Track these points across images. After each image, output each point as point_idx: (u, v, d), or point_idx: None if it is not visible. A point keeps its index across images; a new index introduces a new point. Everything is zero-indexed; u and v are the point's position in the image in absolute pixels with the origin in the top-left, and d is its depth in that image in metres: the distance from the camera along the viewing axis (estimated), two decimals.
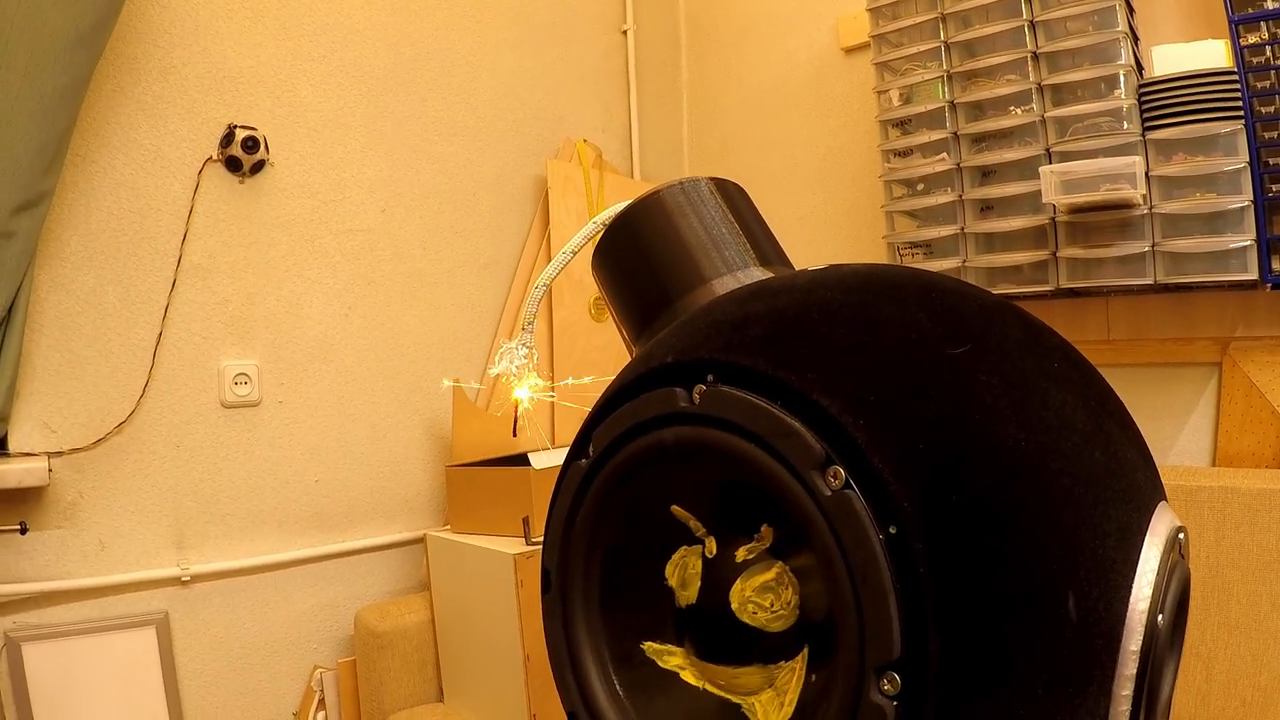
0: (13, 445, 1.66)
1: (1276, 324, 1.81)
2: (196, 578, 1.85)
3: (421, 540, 2.16)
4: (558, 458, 1.87)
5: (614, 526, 0.47)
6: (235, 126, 1.87)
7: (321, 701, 2.02)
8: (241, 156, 1.86)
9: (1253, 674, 1.62)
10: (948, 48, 1.89)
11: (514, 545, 1.76)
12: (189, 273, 1.84)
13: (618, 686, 0.47)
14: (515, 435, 0.84)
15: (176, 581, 1.83)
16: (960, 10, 1.86)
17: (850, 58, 2.42)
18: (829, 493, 0.35)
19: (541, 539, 1.50)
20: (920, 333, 0.39)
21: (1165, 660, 0.41)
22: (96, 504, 1.75)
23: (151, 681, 1.80)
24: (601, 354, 2.46)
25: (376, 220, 2.16)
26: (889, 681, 0.33)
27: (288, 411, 1.99)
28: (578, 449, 0.47)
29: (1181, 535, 0.44)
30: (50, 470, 1.65)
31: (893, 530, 0.34)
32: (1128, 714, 0.38)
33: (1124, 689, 0.37)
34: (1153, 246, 1.70)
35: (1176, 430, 1.93)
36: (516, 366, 0.72)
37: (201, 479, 1.87)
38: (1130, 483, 0.40)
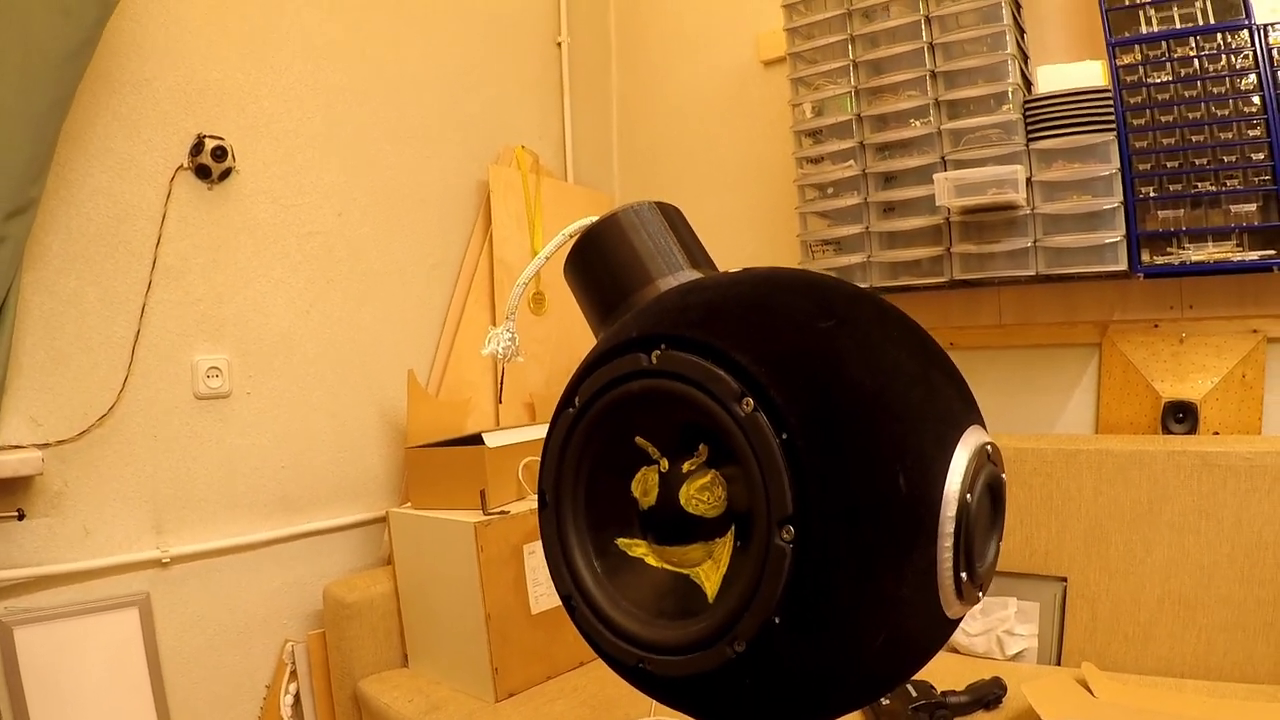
0: (1, 439, 1.75)
1: (1148, 308, 2.03)
2: (176, 559, 1.96)
3: (381, 519, 2.30)
4: (507, 437, 2.04)
5: (594, 457, 0.66)
6: (204, 136, 1.99)
7: (293, 673, 2.16)
8: (211, 165, 1.99)
9: (1132, 612, 1.84)
10: (856, 66, 2.09)
11: (473, 516, 1.91)
12: (163, 274, 1.95)
13: (599, 571, 0.65)
14: (500, 401, 1.01)
15: (157, 563, 1.93)
16: (868, 32, 2.06)
17: (769, 70, 2.60)
18: (744, 415, 0.54)
19: (499, 508, 1.67)
20: (803, 313, 0.58)
21: (979, 529, 0.61)
22: (81, 492, 1.84)
23: (135, 659, 1.88)
24: (541, 345, 2.62)
25: (334, 223, 2.29)
26: (786, 532, 0.53)
27: (255, 402, 2.12)
28: (566, 400, 0.66)
29: (989, 448, 0.64)
30: (43, 459, 1.74)
31: (784, 436, 0.53)
32: (950, 561, 0.57)
33: (946, 543, 0.57)
34: (1035, 243, 1.91)
35: (1063, 404, 2.15)
36: (503, 348, 0.90)
37: (178, 467, 1.98)
38: (945, 409, 0.60)
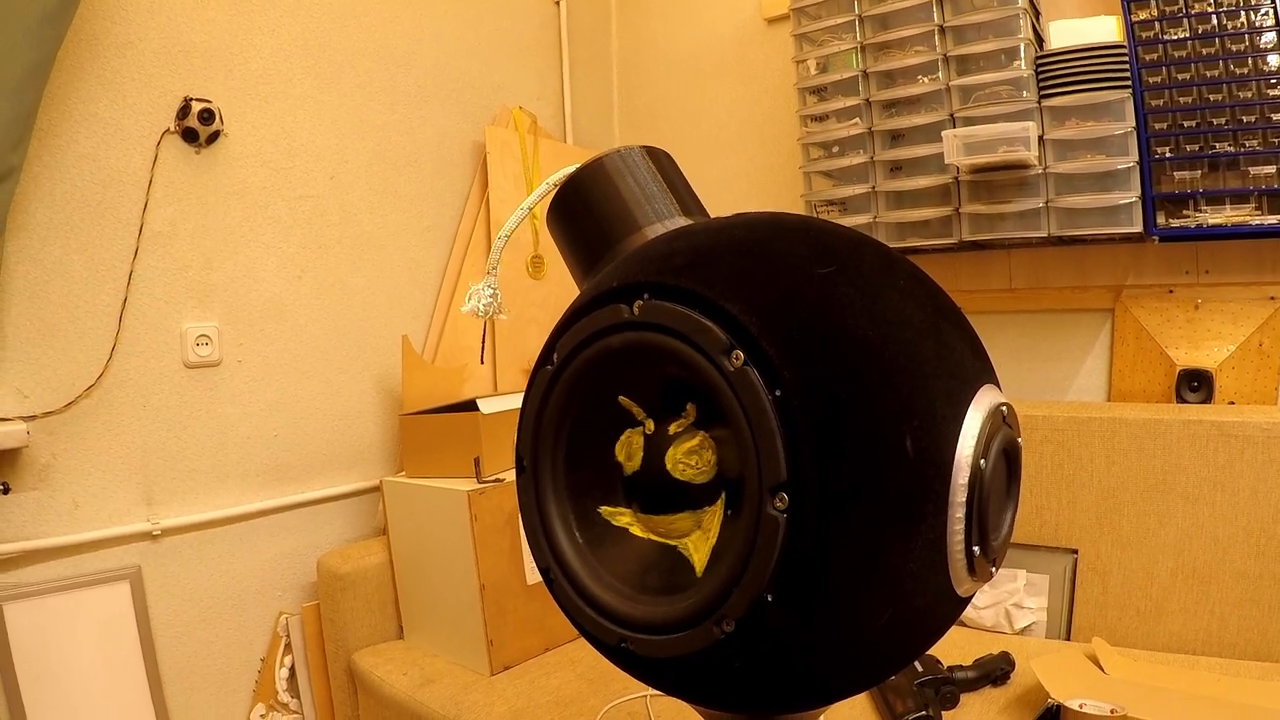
0: None
1: (1163, 273, 1.98)
2: (166, 531, 1.94)
3: (375, 489, 2.27)
4: (502, 403, 2.00)
5: (574, 418, 0.60)
6: (191, 99, 1.94)
7: (288, 646, 2.13)
8: (198, 128, 1.94)
9: (1144, 585, 1.80)
10: (861, 21, 2.03)
11: (467, 484, 1.88)
12: (150, 240, 1.92)
13: (581, 543, 0.61)
14: (483, 362, 0.96)
15: (148, 536, 1.92)
16: None
17: (772, 28, 2.55)
18: (733, 369, 0.49)
19: (493, 476, 1.63)
20: (799, 259, 0.53)
21: (994, 498, 0.56)
22: (69, 465, 1.82)
23: (127, 634, 1.87)
24: (540, 309, 2.58)
25: (326, 187, 2.25)
26: (780, 500, 0.47)
27: (247, 370, 2.09)
28: (544, 357, 0.61)
29: (1005, 408, 0.59)
30: (28, 432, 1.72)
31: (778, 393, 0.48)
32: (962, 533, 0.52)
33: (957, 512, 0.52)
34: (1047, 203, 1.86)
35: (1074, 370, 2.11)
36: (484, 305, 0.84)
37: (167, 437, 1.96)
38: (958, 364, 0.54)
